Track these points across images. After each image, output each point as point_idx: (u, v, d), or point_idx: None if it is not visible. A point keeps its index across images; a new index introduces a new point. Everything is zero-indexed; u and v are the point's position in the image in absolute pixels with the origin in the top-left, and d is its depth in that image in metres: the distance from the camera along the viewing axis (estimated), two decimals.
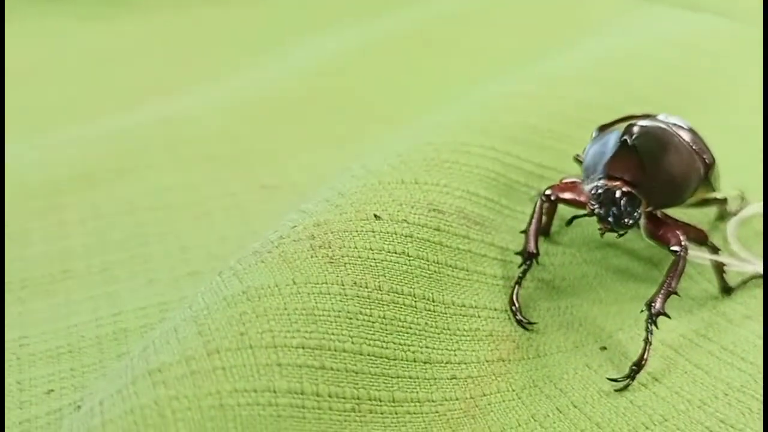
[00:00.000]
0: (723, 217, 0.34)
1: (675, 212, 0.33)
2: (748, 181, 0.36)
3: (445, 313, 0.27)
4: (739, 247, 0.32)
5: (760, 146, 0.40)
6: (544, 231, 0.31)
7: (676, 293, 0.26)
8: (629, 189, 0.26)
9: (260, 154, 0.42)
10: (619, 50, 0.46)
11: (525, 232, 0.29)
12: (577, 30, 0.53)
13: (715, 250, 0.29)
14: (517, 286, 0.29)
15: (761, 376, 0.25)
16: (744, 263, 0.30)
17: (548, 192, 0.29)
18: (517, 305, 0.28)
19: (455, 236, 0.29)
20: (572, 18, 0.60)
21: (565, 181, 0.30)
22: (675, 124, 0.29)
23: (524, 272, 0.29)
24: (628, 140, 0.27)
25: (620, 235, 0.28)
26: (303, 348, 0.22)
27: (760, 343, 0.27)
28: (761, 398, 0.24)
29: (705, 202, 0.31)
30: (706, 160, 0.29)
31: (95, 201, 0.38)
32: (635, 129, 0.27)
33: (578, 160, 0.32)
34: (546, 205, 0.29)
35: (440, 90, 0.48)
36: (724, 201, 0.32)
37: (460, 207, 0.30)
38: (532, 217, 0.29)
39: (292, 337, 0.22)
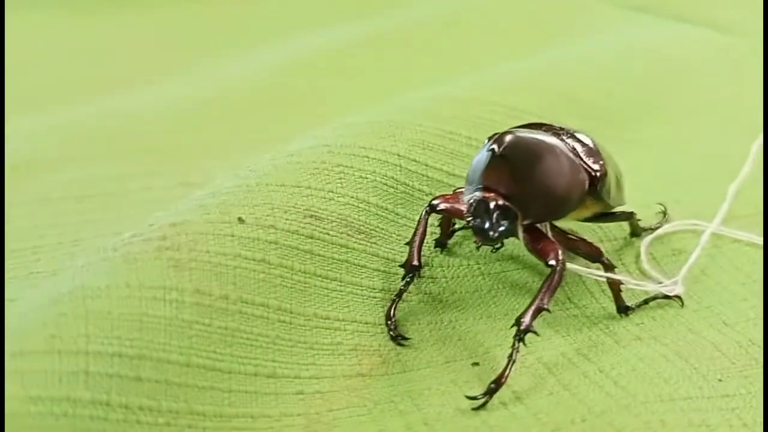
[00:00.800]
0: (637, 233, 0.32)
1: (579, 226, 0.32)
2: (685, 196, 0.35)
3: (304, 326, 0.26)
4: (650, 266, 0.31)
5: (705, 160, 0.39)
6: (441, 243, 0.30)
7: (547, 309, 0.25)
8: (503, 201, 0.25)
9: (192, 151, 0.41)
10: (573, 59, 0.45)
11: (409, 243, 0.28)
12: (552, 37, 0.51)
13: (609, 267, 0.28)
14: (396, 300, 0.28)
15: (627, 401, 0.24)
16: (644, 283, 0.29)
17: (434, 202, 0.28)
18: (393, 320, 0.27)
19: (331, 245, 0.28)
20: (553, 25, 0.58)
21: (456, 191, 0.29)
22: (567, 134, 0.28)
23: (406, 285, 0.28)
24: (496, 150, 0.25)
25: (495, 249, 0.26)
26: (119, 356, 0.21)
27: (641, 366, 0.26)
28: (617, 426, 0.23)
29: (604, 216, 0.30)
30: (593, 173, 0.27)
31: (30, 187, 0.38)
32: (506, 138, 0.26)
33: None
34: (430, 215, 0.28)
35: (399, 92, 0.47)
36: (630, 215, 0.31)
37: (343, 215, 0.29)
38: (417, 229, 0.28)
39: (109, 344, 0.21)
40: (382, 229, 0.30)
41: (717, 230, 0.32)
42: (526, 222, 0.26)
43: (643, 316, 0.28)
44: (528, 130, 0.27)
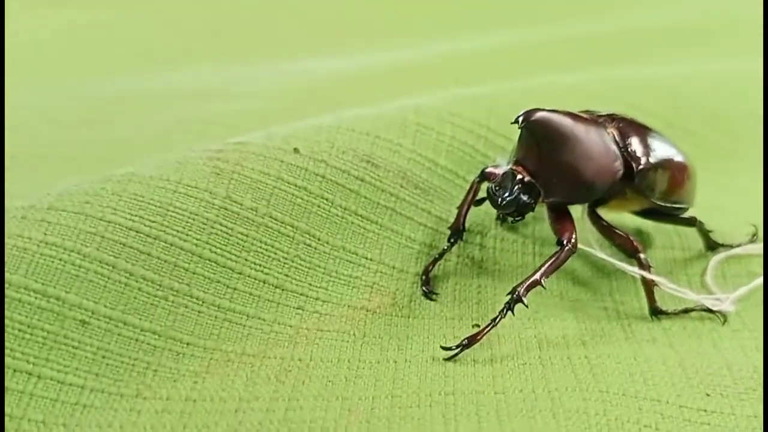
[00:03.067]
0: (711, 247, 0.31)
1: (656, 227, 0.31)
2: None
3: (328, 254, 0.28)
4: (714, 281, 0.29)
5: None
6: (502, 216, 0.31)
7: (541, 284, 0.25)
8: (528, 177, 0.26)
9: None
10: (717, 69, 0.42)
11: (459, 207, 0.29)
12: None
13: (645, 265, 0.27)
14: (437, 258, 0.29)
15: (586, 386, 0.24)
16: (683, 290, 0.28)
17: (486, 170, 0.29)
18: (429, 275, 0.29)
19: (381, 191, 0.29)
20: None
21: (491, 168, 0.29)
22: (620, 122, 0.28)
23: (449, 247, 0.29)
24: (519, 123, 0.26)
25: (513, 221, 0.27)
26: (135, 231, 0.25)
27: (631, 363, 0.25)
28: (558, 403, 0.23)
29: (657, 215, 0.29)
30: (635, 165, 0.27)
31: None
32: (535, 114, 0.26)
33: None
34: (480, 182, 0.29)
35: None
36: (693, 221, 0.30)
37: (404, 168, 0.30)
38: (466, 195, 0.29)
39: (130, 220, 0.25)
40: (444, 190, 0.31)
41: None
42: (549, 200, 0.26)
43: (676, 322, 0.28)
44: (569, 111, 0.27)
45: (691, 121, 0.36)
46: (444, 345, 0.25)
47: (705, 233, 0.30)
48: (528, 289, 0.25)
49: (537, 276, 0.25)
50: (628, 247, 0.27)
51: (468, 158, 0.32)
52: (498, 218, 0.31)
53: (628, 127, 0.28)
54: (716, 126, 0.38)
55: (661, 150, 0.28)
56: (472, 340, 0.25)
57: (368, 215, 0.29)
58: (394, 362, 0.25)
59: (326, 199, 0.28)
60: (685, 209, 0.30)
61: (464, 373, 0.24)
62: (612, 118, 0.28)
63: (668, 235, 0.31)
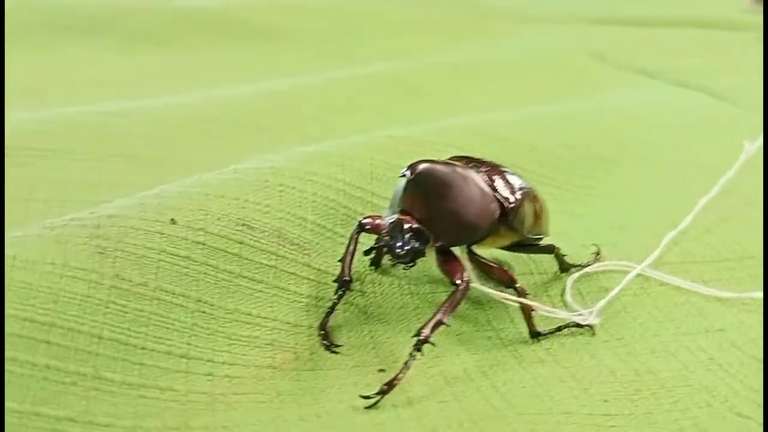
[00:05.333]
0: (565, 268, 0.34)
1: (511, 257, 0.33)
2: (623, 240, 0.36)
3: (224, 318, 0.28)
4: (574, 299, 0.32)
5: (651, 210, 0.40)
6: (375, 261, 0.32)
7: (444, 323, 0.27)
8: (417, 225, 0.27)
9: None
10: (542, 113, 0.47)
11: (342, 260, 0.30)
12: (543, 95, 0.54)
13: (522, 293, 0.29)
14: (329, 312, 0.29)
15: (506, 412, 0.25)
16: (556, 311, 0.30)
17: (363, 221, 0.30)
18: (326, 330, 0.29)
19: (261, 251, 0.30)
20: (547, 84, 0.61)
21: (372, 216, 0.31)
22: (487, 167, 0.30)
23: (339, 298, 0.30)
24: (409, 176, 0.28)
25: (407, 267, 0.28)
26: (31, 321, 0.24)
27: (533, 384, 0.27)
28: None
29: (524, 246, 0.32)
30: (506, 204, 0.29)
31: None
32: (420, 166, 0.28)
33: None
34: (359, 233, 0.30)
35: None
36: (551, 248, 0.32)
37: (278, 227, 0.31)
38: (348, 246, 0.30)
39: (23, 310, 0.24)
40: (317, 243, 0.32)
41: (644, 272, 0.33)
42: (438, 244, 0.28)
43: (554, 342, 0.30)
44: (446, 161, 0.30)
45: (517, 158, 0.40)
46: (363, 394, 0.26)
47: (560, 257, 0.33)
48: (433, 330, 0.26)
49: (439, 316, 0.27)
50: (506, 278, 0.29)
51: (332, 212, 0.33)
52: (372, 264, 0.32)
53: (492, 169, 0.30)
54: (535, 159, 0.41)
55: (521, 186, 0.30)
56: (390, 386, 0.26)
57: (253, 276, 0.29)
58: (317, 416, 0.25)
59: (211, 266, 0.28)
60: (543, 238, 0.32)
61: (389, 417, 0.25)
62: (478, 162, 0.30)
63: (524, 262, 0.34)
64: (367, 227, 0.30)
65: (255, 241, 0.30)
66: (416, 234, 0.27)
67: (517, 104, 0.54)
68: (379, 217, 0.30)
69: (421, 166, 0.28)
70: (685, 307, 0.32)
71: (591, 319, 0.30)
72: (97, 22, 0.71)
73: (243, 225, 0.30)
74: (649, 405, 0.26)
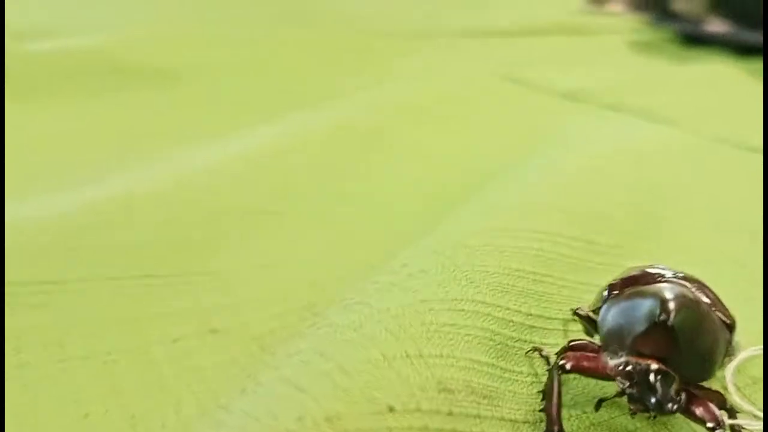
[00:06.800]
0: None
1: None
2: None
3: None
4: (741, 399, 0.31)
5: (729, 268, 0.39)
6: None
7: None
8: (662, 366, 0.24)
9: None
10: (575, 170, 0.45)
11: (544, 410, 0.27)
12: (530, 141, 0.52)
13: (733, 413, 0.27)
14: None
15: None
16: (755, 423, 0.29)
17: (564, 362, 0.27)
18: None
19: (467, 417, 0.26)
20: (526, 126, 0.59)
21: (574, 344, 0.27)
22: (691, 282, 0.28)
23: None
24: (668, 320, 0.25)
25: (654, 417, 0.25)
26: None
27: None
28: None
29: None
30: (728, 322, 0.27)
31: None
32: (670, 306, 0.25)
33: (578, 314, 0.30)
34: (560, 375, 0.27)
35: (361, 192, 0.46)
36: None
37: (467, 380, 0.27)
38: (550, 392, 0.27)
39: None
40: (496, 388, 0.28)
41: None
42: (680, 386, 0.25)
43: None
44: (671, 286, 0.27)
45: (593, 232, 0.38)
46: None
47: None
48: None
49: None
50: (721, 400, 0.27)
51: (491, 344, 0.29)
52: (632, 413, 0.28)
53: (697, 282, 0.28)
54: (607, 228, 0.40)
55: (716, 295, 0.28)
56: None
57: None
58: None
59: None
60: None
61: None
62: (683, 277, 0.28)
63: None
64: (571, 368, 0.26)
65: (459, 406, 0.26)
66: (664, 378, 0.25)
67: (489, 150, 0.52)
68: (585, 356, 0.27)
69: (673, 306, 0.25)
70: None
71: None
72: None
73: (443, 390, 0.26)
74: None
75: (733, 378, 0.32)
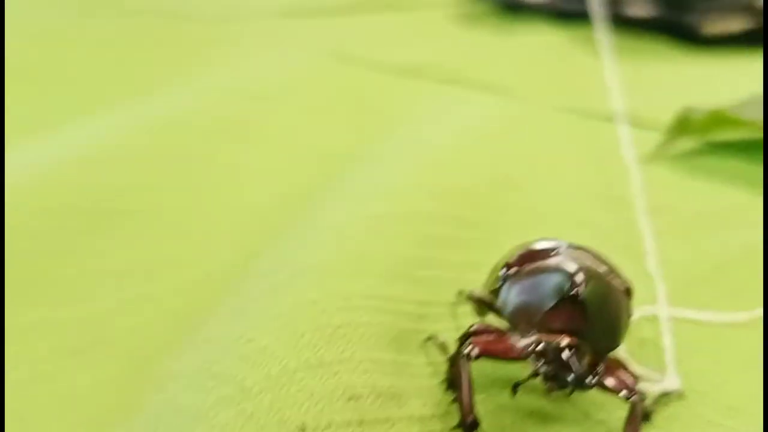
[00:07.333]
0: None
1: None
2: None
3: None
4: (634, 362, 0.31)
5: (590, 233, 0.40)
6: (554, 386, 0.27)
7: None
8: (575, 340, 0.24)
9: None
10: (433, 148, 0.45)
11: (456, 401, 0.25)
12: (379, 121, 0.51)
13: (637, 379, 0.27)
14: None
15: None
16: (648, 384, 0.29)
17: (470, 350, 0.25)
18: None
19: (378, 423, 0.25)
20: (371, 106, 0.57)
21: (475, 329, 0.26)
22: (590, 254, 0.28)
23: None
24: (577, 293, 0.24)
25: (570, 393, 0.25)
26: None
27: None
28: None
29: None
30: (629, 289, 0.27)
31: None
32: (578, 279, 0.24)
33: (473, 297, 0.29)
34: (470, 362, 0.25)
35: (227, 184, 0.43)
36: None
37: (372, 383, 0.25)
38: (459, 381, 0.25)
39: None
40: (402, 386, 0.27)
41: (675, 314, 0.33)
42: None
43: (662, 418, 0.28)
44: (570, 258, 0.26)
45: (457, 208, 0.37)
46: None
47: None
48: None
49: None
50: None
51: (389, 339, 0.28)
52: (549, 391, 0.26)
53: (595, 255, 0.28)
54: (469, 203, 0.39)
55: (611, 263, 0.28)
56: None
57: None
58: None
59: None
60: None
61: None
62: (579, 246, 0.28)
63: None
64: (479, 354, 0.25)
65: (369, 413, 0.25)
66: (577, 353, 0.24)
67: (340, 133, 0.51)
68: (492, 340, 0.26)
69: (580, 279, 0.24)
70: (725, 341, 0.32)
71: (672, 383, 0.29)
72: None
73: (351, 399, 0.24)
74: None
75: (624, 344, 0.32)
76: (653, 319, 0.33)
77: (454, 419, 0.25)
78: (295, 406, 0.23)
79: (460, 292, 0.31)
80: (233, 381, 0.23)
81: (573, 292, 0.24)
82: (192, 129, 0.49)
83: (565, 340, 0.24)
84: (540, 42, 0.71)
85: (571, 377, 0.23)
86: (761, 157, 0.48)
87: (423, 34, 0.78)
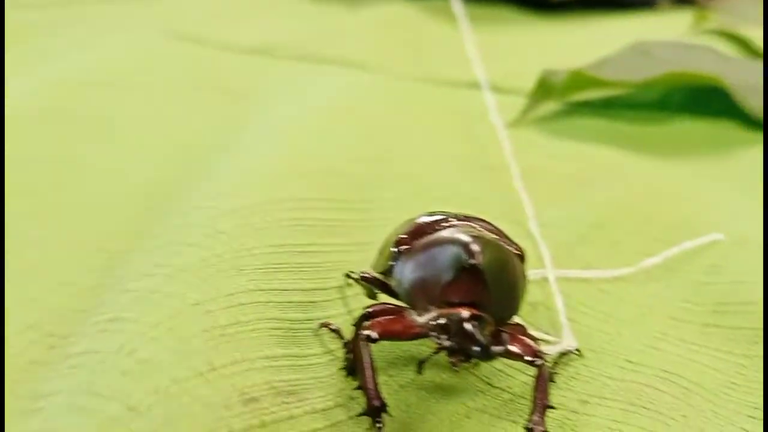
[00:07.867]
0: None
1: None
2: None
3: None
4: (527, 325, 0.30)
5: (467, 203, 0.39)
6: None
7: (551, 406, 0.24)
8: (476, 311, 0.23)
9: None
10: (299, 130, 0.43)
11: (361, 387, 0.24)
12: (236, 103, 0.48)
13: (536, 341, 0.26)
14: None
15: None
16: (549, 347, 0.29)
17: (369, 332, 0.24)
18: None
19: (280, 422, 0.23)
20: (225, 88, 0.54)
21: (372, 310, 0.25)
22: (480, 222, 0.27)
23: (381, 429, 0.24)
24: (476, 263, 0.23)
25: (475, 364, 0.24)
26: None
27: None
28: None
29: None
30: (519, 254, 0.26)
31: None
32: (474, 248, 0.23)
33: (364, 278, 0.28)
34: (369, 345, 0.24)
35: None
36: None
37: (268, 382, 0.24)
38: (361, 366, 0.24)
39: None
40: (298, 379, 0.25)
41: (562, 274, 0.33)
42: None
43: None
44: (462, 228, 0.25)
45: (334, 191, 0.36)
46: None
47: None
48: (542, 416, 0.24)
49: (544, 402, 0.24)
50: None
51: (277, 332, 0.26)
52: (453, 365, 0.25)
53: (485, 223, 0.27)
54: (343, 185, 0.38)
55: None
56: None
57: None
58: None
59: None
60: None
61: None
62: (473, 218, 0.27)
63: None
64: (378, 336, 0.24)
65: (268, 414, 0.23)
66: (481, 324, 0.23)
67: (198, 118, 0.48)
68: (391, 320, 0.24)
69: (476, 247, 0.24)
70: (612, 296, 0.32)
71: (570, 343, 0.29)
72: None
73: (249, 401, 0.23)
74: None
75: None
76: (541, 282, 0.33)
77: (359, 406, 0.24)
78: (190, 418, 0.21)
79: (348, 275, 0.30)
80: (116, 398, 0.21)
81: (471, 262, 0.23)
82: (33, 126, 0.45)
83: (466, 312, 0.23)
84: (393, 13, 0.70)
85: (476, 349, 0.22)
86: (622, 114, 0.49)
87: (269, 11, 0.75)
